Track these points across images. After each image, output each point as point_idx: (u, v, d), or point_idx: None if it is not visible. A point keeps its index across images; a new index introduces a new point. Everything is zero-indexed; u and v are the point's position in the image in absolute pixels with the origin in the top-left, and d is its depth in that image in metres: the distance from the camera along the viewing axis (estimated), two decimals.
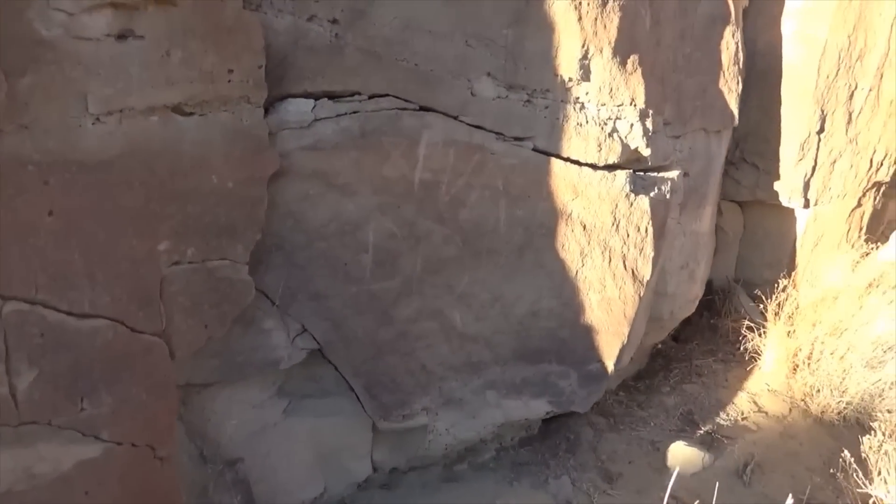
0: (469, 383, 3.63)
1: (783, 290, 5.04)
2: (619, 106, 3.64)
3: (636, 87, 3.65)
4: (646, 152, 3.77)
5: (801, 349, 4.77)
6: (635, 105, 3.67)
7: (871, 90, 5.03)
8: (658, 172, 3.94)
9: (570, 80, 3.47)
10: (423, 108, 3.18)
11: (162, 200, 2.48)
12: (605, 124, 3.62)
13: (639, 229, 3.81)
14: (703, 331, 5.51)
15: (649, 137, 3.76)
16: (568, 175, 3.54)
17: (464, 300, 3.44)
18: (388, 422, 3.46)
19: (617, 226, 3.73)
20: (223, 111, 2.63)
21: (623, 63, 3.58)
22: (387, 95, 3.11)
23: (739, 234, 5.74)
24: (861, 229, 5.70)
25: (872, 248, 5.64)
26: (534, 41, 3.36)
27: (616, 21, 3.47)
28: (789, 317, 4.88)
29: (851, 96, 5.00)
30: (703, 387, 4.86)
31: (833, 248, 5.58)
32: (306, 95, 2.97)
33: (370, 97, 3.08)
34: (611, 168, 3.71)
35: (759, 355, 5.09)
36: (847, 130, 5.09)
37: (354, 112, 3.04)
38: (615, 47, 3.51)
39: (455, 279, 3.38)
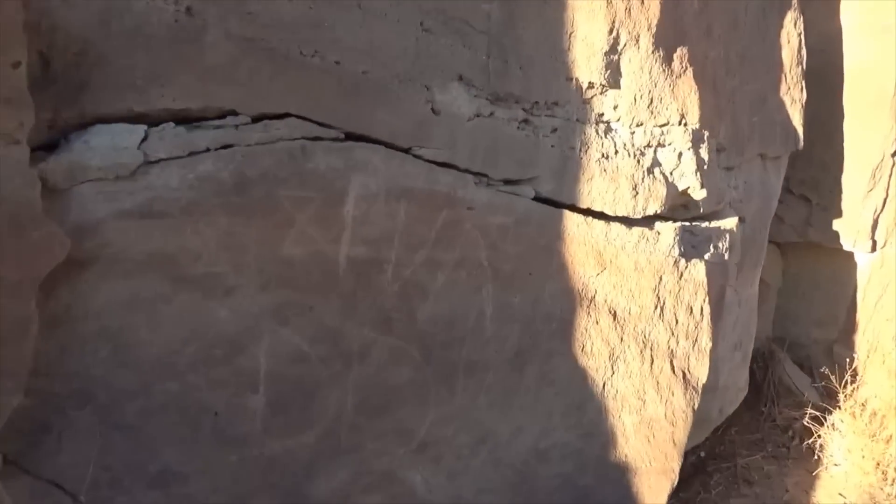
0: None
1: (856, 372, 3.80)
2: (662, 126, 2.36)
3: (686, 96, 2.38)
4: (699, 195, 2.51)
5: (889, 447, 3.53)
6: (685, 124, 2.40)
7: None
8: (711, 222, 2.67)
9: (591, 86, 2.19)
10: (350, 137, 1.86)
11: None
12: (643, 154, 2.34)
13: (691, 311, 2.52)
14: (741, 413, 4.23)
15: (703, 172, 2.49)
16: (590, 237, 2.24)
17: (429, 451, 2.08)
18: None
19: (661, 309, 2.44)
20: None
21: (668, 59, 2.31)
22: (286, 116, 1.78)
23: (779, 284, 4.51)
24: None
25: None
26: (534, 25, 2.06)
27: None
28: (872, 415, 3.64)
29: None
30: (757, 501, 3.58)
31: None
32: (131, 118, 1.63)
33: (255, 119, 1.75)
34: (650, 221, 2.43)
35: (822, 447, 3.84)
36: None
37: (225, 147, 1.70)
38: (657, 34, 2.24)
39: (413, 418, 2.03)
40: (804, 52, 3.20)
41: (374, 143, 1.89)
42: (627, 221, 2.33)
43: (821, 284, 4.34)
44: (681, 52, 2.36)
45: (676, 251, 2.42)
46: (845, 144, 3.77)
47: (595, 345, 2.31)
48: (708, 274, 2.53)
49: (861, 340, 4.28)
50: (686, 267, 2.46)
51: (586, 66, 2.16)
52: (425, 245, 1.95)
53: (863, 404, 3.77)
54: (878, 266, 4.14)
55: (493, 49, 2.03)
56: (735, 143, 2.81)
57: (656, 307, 2.42)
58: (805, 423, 3.87)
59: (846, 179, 3.82)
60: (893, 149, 3.73)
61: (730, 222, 2.73)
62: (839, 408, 3.81)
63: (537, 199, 2.17)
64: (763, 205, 3.20)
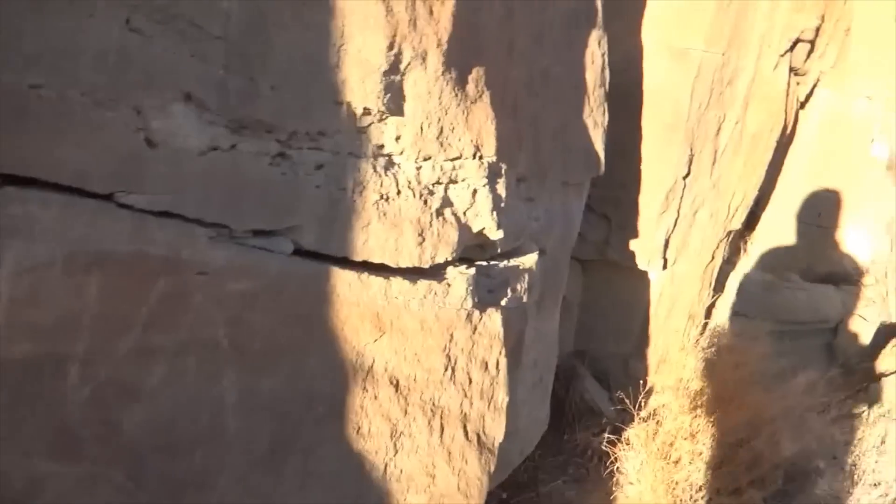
0: None
1: (649, 389, 3.82)
2: (454, 160, 2.01)
3: (483, 125, 2.05)
4: (495, 235, 2.20)
5: (679, 464, 3.57)
6: (481, 157, 2.08)
7: (737, 122, 3.98)
8: (510, 260, 2.40)
9: (368, 112, 1.77)
10: (9, 181, 1.28)
11: None
12: (431, 194, 1.98)
13: (486, 367, 2.23)
14: (543, 434, 4.14)
15: (500, 210, 2.19)
16: (365, 296, 1.84)
17: None
18: None
19: (452, 370, 2.11)
20: None
21: (462, 82, 1.96)
22: None
23: (579, 298, 4.47)
24: (711, 285, 4.72)
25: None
26: (290, 32, 1.60)
27: (451, 4, 1.83)
28: (665, 437, 3.66)
29: (718, 131, 3.90)
30: None
31: (685, 312, 4.53)
32: None
33: None
34: (440, 269, 2.08)
35: (619, 468, 3.83)
36: (711, 172, 4.01)
37: None
38: (449, 52, 1.87)
39: None
40: (607, 72, 3.04)
41: (51, 190, 1.33)
42: (412, 273, 1.96)
43: (618, 300, 4.36)
44: (477, 74, 2.01)
45: (469, 302, 2.10)
46: (643, 166, 3.74)
47: (373, 423, 1.93)
48: (504, 323, 2.24)
49: (652, 353, 4.38)
50: (480, 319, 2.15)
51: (360, 87, 1.73)
52: (133, 329, 1.43)
53: (657, 422, 3.81)
54: (668, 283, 4.23)
55: (234, 61, 1.54)
56: (537, 171, 2.56)
57: (446, 369, 2.09)
58: (603, 443, 3.84)
59: (642, 200, 3.80)
60: (685, 172, 3.77)
61: (529, 259, 2.48)
62: (633, 424, 3.81)
63: (298, 252, 1.72)
64: (565, 231, 3.01)
